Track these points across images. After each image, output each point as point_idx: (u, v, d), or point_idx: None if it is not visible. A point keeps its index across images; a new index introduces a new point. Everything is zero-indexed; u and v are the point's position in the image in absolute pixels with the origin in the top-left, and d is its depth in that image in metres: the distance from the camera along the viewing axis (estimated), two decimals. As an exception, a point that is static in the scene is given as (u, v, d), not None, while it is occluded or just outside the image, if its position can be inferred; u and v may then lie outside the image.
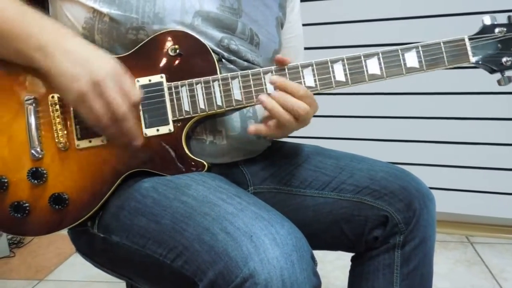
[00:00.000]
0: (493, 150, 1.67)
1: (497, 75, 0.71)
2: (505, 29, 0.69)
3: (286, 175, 0.83)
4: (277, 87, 0.68)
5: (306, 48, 0.97)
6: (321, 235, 0.80)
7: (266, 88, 0.70)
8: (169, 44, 0.71)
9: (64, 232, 0.76)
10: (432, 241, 0.79)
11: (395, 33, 1.62)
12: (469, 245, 1.72)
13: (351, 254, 0.85)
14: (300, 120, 0.68)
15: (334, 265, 1.48)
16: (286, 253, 0.55)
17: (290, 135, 0.84)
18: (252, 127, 0.70)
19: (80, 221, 0.69)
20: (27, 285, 1.59)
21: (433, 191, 0.81)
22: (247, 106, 0.71)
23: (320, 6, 1.73)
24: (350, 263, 0.85)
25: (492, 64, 0.70)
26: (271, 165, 0.84)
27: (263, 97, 0.68)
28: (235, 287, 0.54)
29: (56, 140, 0.69)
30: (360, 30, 1.69)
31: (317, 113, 0.73)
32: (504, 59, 0.69)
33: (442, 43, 0.69)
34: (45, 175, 0.69)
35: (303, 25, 0.96)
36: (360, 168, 0.81)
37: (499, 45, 0.69)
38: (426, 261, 0.79)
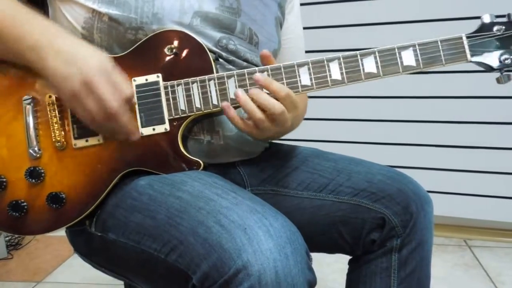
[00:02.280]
0: (491, 154, 1.68)
1: (496, 73, 0.70)
2: (503, 27, 0.68)
3: (283, 177, 0.83)
4: (260, 86, 0.68)
5: (307, 52, 0.97)
6: (318, 238, 0.80)
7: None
8: (165, 43, 0.71)
9: (62, 233, 0.76)
10: (429, 245, 0.79)
11: (394, 37, 1.62)
12: (467, 248, 1.72)
13: (349, 257, 0.85)
14: (276, 121, 0.67)
15: (332, 268, 1.48)
16: (279, 245, 0.55)
17: (289, 137, 0.84)
18: (228, 109, 0.68)
19: (77, 220, 0.69)
20: (24, 287, 1.58)
21: (431, 194, 0.81)
22: None
23: (319, 10, 1.73)
24: (347, 266, 0.85)
25: (490, 63, 0.69)
26: (269, 166, 0.85)
27: (238, 91, 0.67)
28: (228, 279, 0.54)
29: (54, 140, 0.70)
30: (360, 34, 1.70)
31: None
32: (503, 57, 0.68)
33: (439, 42, 0.69)
34: (43, 174, 0.69)
35: (305, 28, 0.96)
36: (358, 171, 0.81)
37: (497, 43, 0.68)
38: (423, 265, 0.79)
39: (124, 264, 0.70)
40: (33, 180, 0.69)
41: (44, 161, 0.70)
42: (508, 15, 0.69)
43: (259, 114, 0.66)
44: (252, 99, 0.66)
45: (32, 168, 0.69)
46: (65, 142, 0.70)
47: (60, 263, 1.73)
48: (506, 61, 0.68)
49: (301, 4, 0.95)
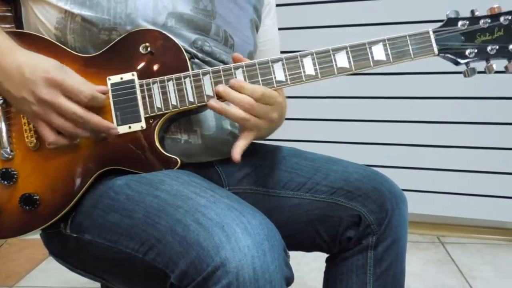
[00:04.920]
0: (463, 152, 1.72)
1: (462, 67, 0.72)
2: (467, 22, 0.70)
3: (262, 176, 0.83)
4: (235, 89, 0.68)
5: (282, 52, 0.97)
6: (296, 236, 0.81)
7: None
8: (140, 42, 0.71)
9: (36, 236, 0.75)
10: (404, 242, 0.81)
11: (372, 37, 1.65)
12: (440, 245, 1.77)
13: (326, 256, 0.86)
14: (261, 116, 0.68)
15: (310, 267, 1.50)
16: (257, 242, 0.55)
17: (268, 137, 0.85)
18: (235, 154, 0.69)
19: (52, 221, 0.68)
20: (-4, 291, 1.54)
21: (405, 192, 0.83)
22: None
23: (296, 11, 1.75)
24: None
25: (456, 56, 0.71)
26: (247, 165, 0.85)
27: (211, 100, 0.68)
28: (207, 276, 0.54)
29: (27, 140, 0.68)
30: (336, 35, 1.72)
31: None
32: (468, 51, 0.71)
33: (407, 36, 0.71)
34: (15, 176, 0.68)
35: (280, 29, 0.97)
36: (335, 170, 0.82)
37: (462, 37, 0.70)
38: (398, 261, 0.81)
39: (101, 265, 0.69)
40: (5, 182, 0.67)
41: (16, 162, 0.68)
42: (472, 11, 0.71)
43: (239, 111, 0.66)
44: (224, 98, 0.68)
45: (4, 170, 0.67)
46: (38, 142, 0.69)
47: (34, 266, 1.69)
48: (471, 55, 0.71)
49: (279, 5, 0.96)
